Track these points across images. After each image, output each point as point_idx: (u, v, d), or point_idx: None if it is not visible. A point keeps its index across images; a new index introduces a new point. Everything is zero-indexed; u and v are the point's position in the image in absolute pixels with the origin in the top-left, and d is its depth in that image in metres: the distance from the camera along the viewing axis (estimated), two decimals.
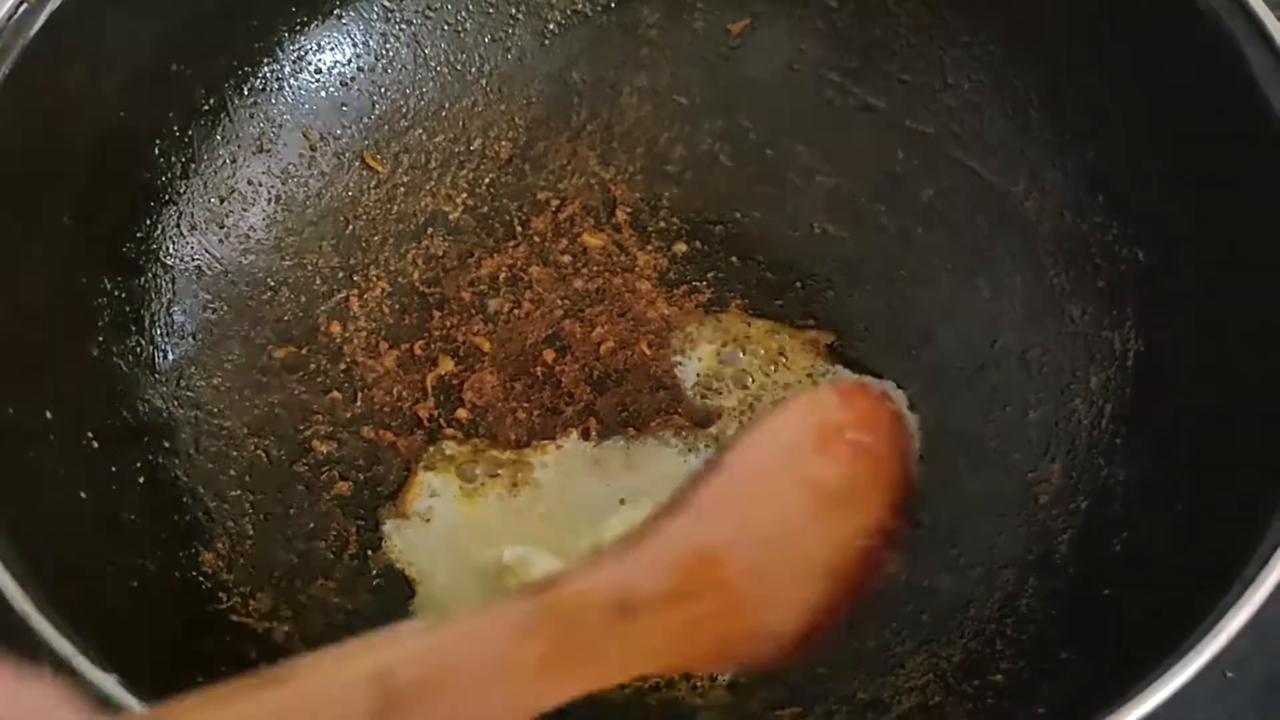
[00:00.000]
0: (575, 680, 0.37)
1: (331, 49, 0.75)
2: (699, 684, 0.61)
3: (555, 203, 0.77)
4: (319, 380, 0.70)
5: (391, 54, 0.76)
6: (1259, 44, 0.60)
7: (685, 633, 0.39)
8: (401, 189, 0.76)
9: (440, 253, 0.75)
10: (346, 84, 0.75)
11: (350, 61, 0.76)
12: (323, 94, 0.75)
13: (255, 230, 0.73)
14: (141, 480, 0.62)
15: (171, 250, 0.69)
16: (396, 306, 0.73)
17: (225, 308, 0.70)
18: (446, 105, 0.78)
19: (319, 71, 0.75)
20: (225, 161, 0.72)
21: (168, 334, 0.68)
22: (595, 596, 0.38)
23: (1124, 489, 0.62)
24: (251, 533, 0.64)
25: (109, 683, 0.45)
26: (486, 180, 0.77)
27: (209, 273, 0.70)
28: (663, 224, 0.76)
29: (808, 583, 0.45)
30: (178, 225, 0.69)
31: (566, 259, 0.75)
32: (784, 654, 0.45)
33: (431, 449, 0.68)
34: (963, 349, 0.71)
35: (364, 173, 0.76)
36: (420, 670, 0.34)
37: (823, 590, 0.45)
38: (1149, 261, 0.66)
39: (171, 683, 0.46)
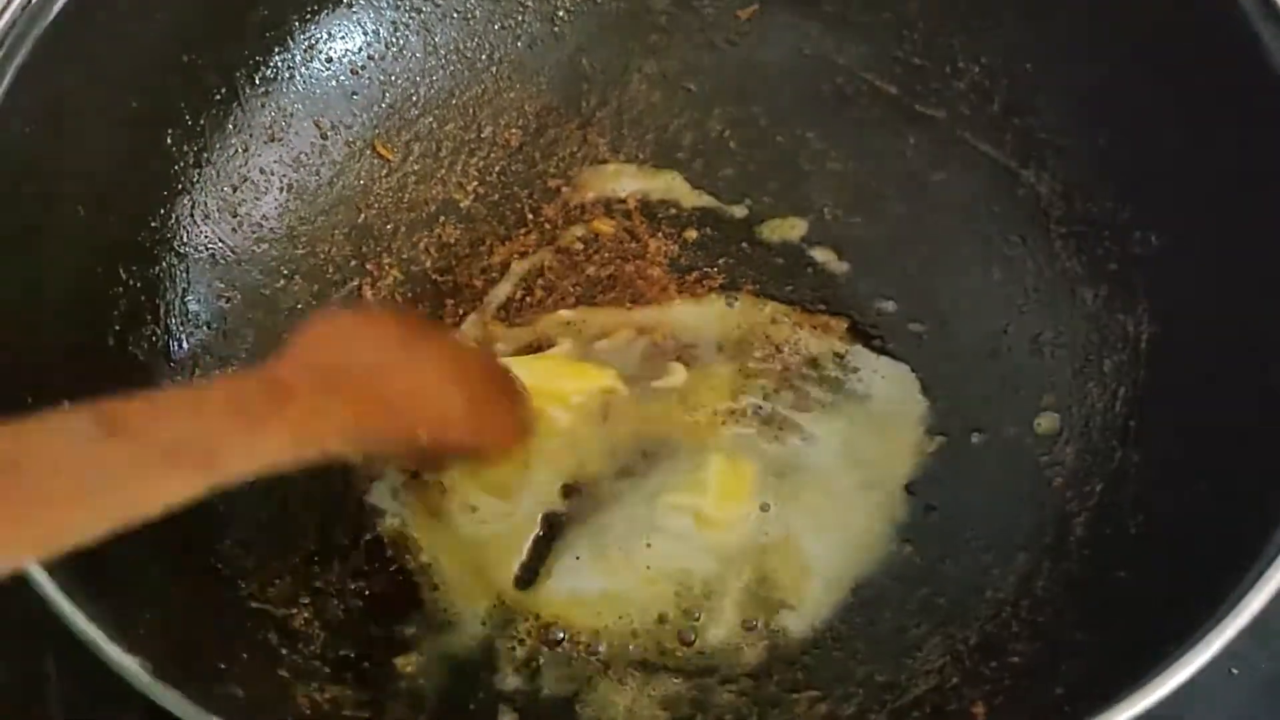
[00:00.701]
0: (263, 439, 0.48)
1: (342, 37, 0.75)
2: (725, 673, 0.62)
3: (566, 189, 0.77)
4: None
5: (402, 42, 0.76)
6: (1273, 25, 0.60)
7: (343, 406, 0.53)
8: (413, 177, 0.76)
9: (452, 240, 0.75)
10: (357, 72, 0.75)
11: (361, 50, 0.76)
12: (333, 83, 0.75)
13: (268, 219, 0.73)
14: None
15: (185, 239, 0.69)
16: (409, 294, 0.73)
17: (239, 296, 0.70)
18: (456, 93, 0.78)
19: (330, 60, 0.75)
20: (237, 150, 0.72)
21: (183, 323, 0.68)
22: (254, 385, 0.51)
23: (1138, 472, 0.62)
24: (268, 520, 0.64)
25: (134, 666, 0.46)
26: (497, 168, 0.77)
27: (222, 261, 0.70)
28: (673, 211, 0.76)
29: (438, 384, 0.60)
30: (191, 214, 0.69)
31: (578, 246, 0.75)
32: (469, 436, 0.62)
33: None
34: (975, 333, 0.71)
35: (375, 161, 0.76)
36: (132, 409, 0.44)
37: (462, 389, 0.61)
38: (1161, 244, 0.66)
39: (195, 667, 0.47)
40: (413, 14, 0.76)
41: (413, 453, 0.59)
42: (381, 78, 0.76)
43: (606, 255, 0.75)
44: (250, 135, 0.72)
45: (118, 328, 0.65)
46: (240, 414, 0.47)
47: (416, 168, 0.76)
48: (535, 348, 0.71)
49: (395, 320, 0.64)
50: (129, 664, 0.46)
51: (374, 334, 0.59)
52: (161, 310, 0.67)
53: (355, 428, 0.52)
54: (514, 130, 0.78)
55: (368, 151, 0.76)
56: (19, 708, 0.63)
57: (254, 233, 0.72)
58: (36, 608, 0.48)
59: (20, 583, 0.49)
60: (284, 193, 0.73)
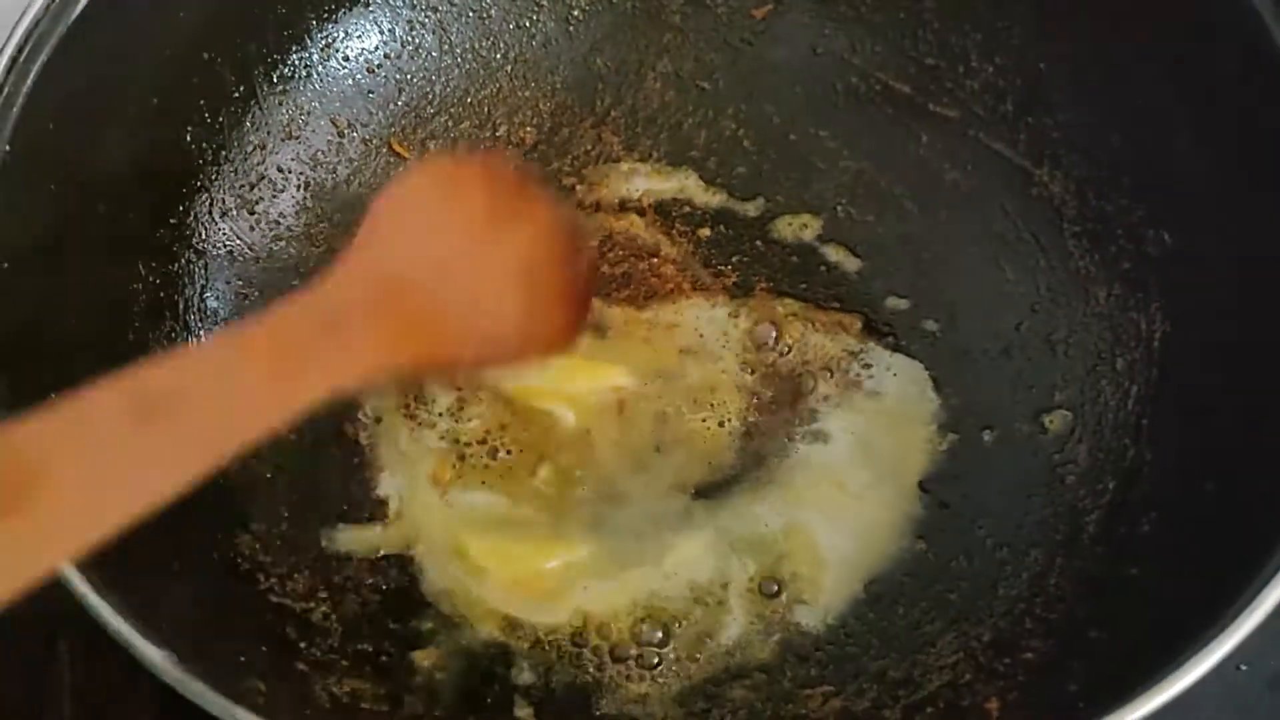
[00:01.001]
0: (306, 383, 0.45)
1: (359, 36, 0.75)
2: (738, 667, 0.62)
3: (580, 188, 0.77)
4: None
5: (418, 41, 0.77)
6: None
7: (396, 337, 0.49)
8: None
9: None
10: (373, 71, 0.76)
11: (377, 49, 0.76)
12: (350, 81, 0.75)
13: (285, 216, 0.73)
14: None
15: (204, 236, 0.70)
16: None
17: (257, 293, 0.71)
18: (472, 92, 0.78)
19: (347, 59, 0.75)
20: (255, 148, 0.72)
21: (201, 319, 0.68)
22: (302, 317, 0.47)
23: (1151, 470, 0.63)
24: (286, 515, 0.65)
25: (166, 661, 0.46)
26: (512, 166, 0.77)
27: (241, 259, 0.71)
28: (687, 209, 0.76)
29: (506, 290, 0.55)
30: (210, 211, 0.70)
31: (591, 244, 0.75)
32: (519, 349, 0.56)
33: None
34: (988, 331, 0.71)
35: (391, 159, 0.76)
36: (164, 382, 0.42)
37: (530, 294, 0.56)
38: (1175, 243, 0.66)
39: (217, 661, 0.47)
40: (429, 13, 0.77)
41: (443, 377, 0.58)
42: (398, 76, 0.77)
43: (620, 253, 0.75)
44: (268, 133, 0.73)
45: (137, 323, 0.65)
46: (282, 361, 0.44)
47: None
48: None
49: (490, 187, 0.57)
50: (157, 657, 0.47)
51: (462, 205, 0.54)
52: (180, 307, 0.68)
53: (399, 361, 0.49)
54: (528, 129, 0.78)
55: (384, 150, 0.76)
56: (30, 702, 0.64)
57: (272, 230, 0.73)
58: (48, 601, 0.48)
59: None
60: (301, 190, 0.74)
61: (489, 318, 0.53)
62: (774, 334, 0.72)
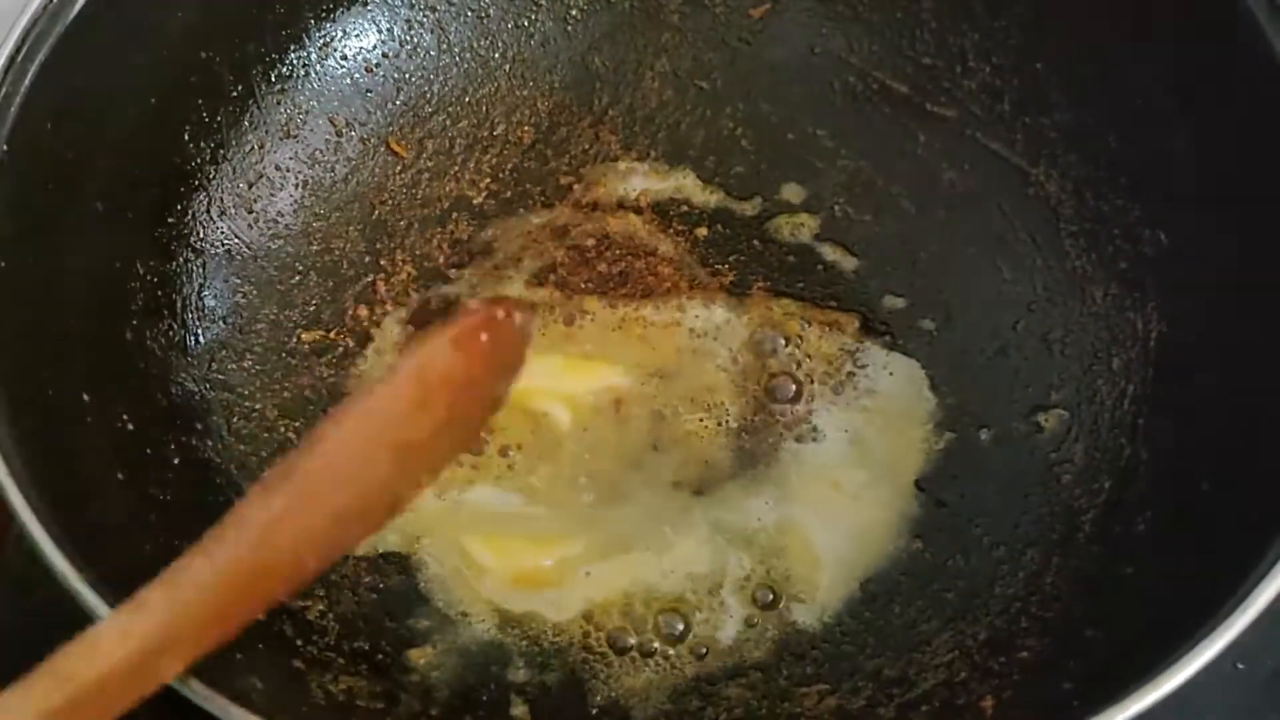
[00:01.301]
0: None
1: (357, 35, 0.76)
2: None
3: (578, 187, 0.77)
4: (347, 364, 0.71)
5: (416, 40, 0.77)
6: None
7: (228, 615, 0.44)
8: (426, 174, 0.77)
9: (465, 237, 0.75)
10: (371, 70, 0.76)
11: (375, 48, 0.76)
12: (348, 80, 0.76)
13: (283, 215, 0.73)
14: (176, 461, 0.63)
15: (202, 235, 0.70)
16: (422, 290, 0.74)
17: (254, 292, 0.71)
18: (470, 91, 0.78)
19: (345, 58, 0.75)
20: (253, 147, 0.72)
21: (199, 317, 0.69)
22: (122, 667, 0.41)
23: (1147, 469, 0.63)
24: None
25: None
26: (509, 165, 0.78)
27: (238, 257, 0.71)
28: (684, 208, 0.77)
29: (408, 459, 0.48)
30: (208, 210, 0.70)
31: (589, 243, 0.75)
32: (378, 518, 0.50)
33: None
34: (985, 330, 0.71)
35: (389, 158, 0.76)
36: None
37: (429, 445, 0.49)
38: (1171, 243, 0.66)
39: (215, 659, 0.47)
40: (427, 12, 0.77)
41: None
42: (396, 75, 0.77)
43: (618, 252, 0.75)
44: (266, 132, 0.73)
45: (135, 322, 0.65)
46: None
47: (430, 164, 0.77)
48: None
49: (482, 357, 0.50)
50: None
51: (442, 393, 0.48)
52: (178, 305, 0.68)
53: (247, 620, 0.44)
54: (526, 128, 0.78)
55: (382, 148, 0.76)
56: None
57: (269, 229, 0.73)
58: (47, 599, 0.49)
59: (31, 575, 0.49)
60: (299, 189, 0.74)
61: (362, 501, 0.48)
62: (771, 333, 0.72)
